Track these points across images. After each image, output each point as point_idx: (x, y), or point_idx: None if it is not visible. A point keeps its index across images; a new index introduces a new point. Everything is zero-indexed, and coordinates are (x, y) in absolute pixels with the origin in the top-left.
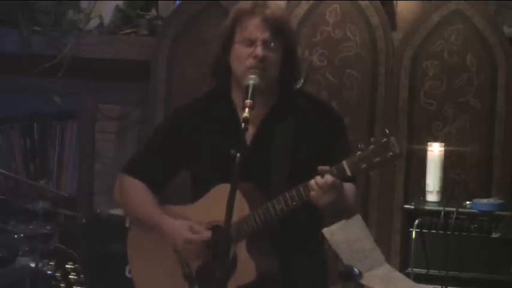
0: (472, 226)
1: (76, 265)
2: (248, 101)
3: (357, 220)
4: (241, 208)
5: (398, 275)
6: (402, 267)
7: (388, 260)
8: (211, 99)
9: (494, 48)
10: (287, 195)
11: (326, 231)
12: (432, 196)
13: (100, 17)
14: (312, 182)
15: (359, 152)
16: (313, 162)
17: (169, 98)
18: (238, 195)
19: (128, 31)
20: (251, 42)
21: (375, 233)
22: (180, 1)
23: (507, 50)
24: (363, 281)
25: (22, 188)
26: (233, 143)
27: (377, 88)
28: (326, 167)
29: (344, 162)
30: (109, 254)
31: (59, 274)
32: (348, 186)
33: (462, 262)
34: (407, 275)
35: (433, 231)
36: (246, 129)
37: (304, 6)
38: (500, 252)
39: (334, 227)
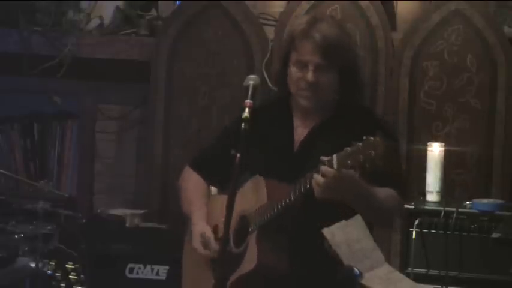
0: (472, 226)
1: (76, 265)
2: (248, 101)
3: (357, 220)
4: (261, 198)
5: (398, 275)
6: (402, 267)
7: (388, 260)
8: (273, 104)
9: (494, 48)
10: (296, 185)
11: (326, 231)
12: (432, 196)
13: (100, 17)
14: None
15: (348, 148)
16: None
17: (169, 98)
18: (261, 186)
19: (128, 31)
20: (303, 65)
21: (375, 233)
22: (180, 1)
23: (507, 50)
24: (363, 281)
25: (22, 188)
26: (284, 146)
27: (377, 88)
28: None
29: (334, 156)
30: (109, 254)
31: (59, 274)
32: (384, 189)
33: (462, 262)
34: (407, 275)
35: (433, 231)
36: (245, 129)
37: (304, 6)
38: (500, 252)
39: (334, 227)
